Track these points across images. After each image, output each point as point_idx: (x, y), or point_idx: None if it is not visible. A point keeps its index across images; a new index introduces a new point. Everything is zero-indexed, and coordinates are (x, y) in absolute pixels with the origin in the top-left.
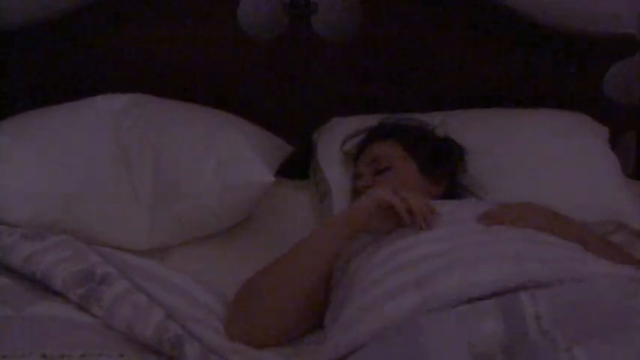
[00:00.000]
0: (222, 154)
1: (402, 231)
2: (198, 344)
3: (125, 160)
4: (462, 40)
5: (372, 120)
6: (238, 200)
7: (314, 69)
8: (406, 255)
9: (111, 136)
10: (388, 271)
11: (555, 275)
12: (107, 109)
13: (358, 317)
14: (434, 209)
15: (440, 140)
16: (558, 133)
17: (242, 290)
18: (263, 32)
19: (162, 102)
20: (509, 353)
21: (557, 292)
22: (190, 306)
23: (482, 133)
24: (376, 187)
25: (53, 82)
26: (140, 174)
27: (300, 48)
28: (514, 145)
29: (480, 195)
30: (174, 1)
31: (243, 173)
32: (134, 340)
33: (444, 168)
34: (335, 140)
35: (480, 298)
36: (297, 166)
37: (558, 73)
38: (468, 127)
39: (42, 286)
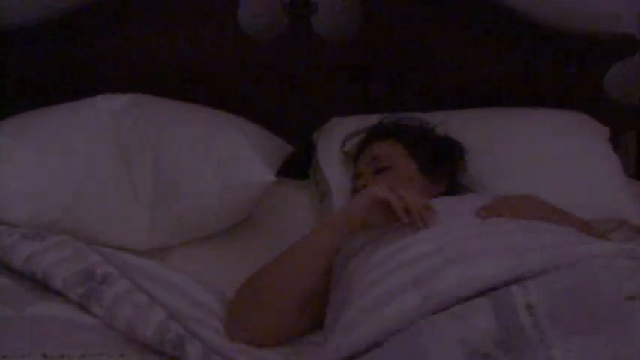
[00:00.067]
0: (222, 154)
1: (400, 230)
2: (200, 344)
3: (125, 160)
4: (462, 40)
5: (372, 120)
6: (238, 200)
7: (314, 69)
8: (404, 254)
9: (111, 136)
10: (387, 272)
11: (553, 261)
12: (107, 109)
13: (359, 319)
14: (431, 207)
15: (440, 140)
16: (558, 132)
17: (241, 289)
18: (263, 32)
19: (163, 102)
20: (505, 348)
21: (553, 278)
22: (190, 306)
23: (482, 133)
24: (372, 184)
25: (53, 82)
26: (140, 174)
27: (300, 48)
28: (514, 144)
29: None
30: (174, 1)
31: (244, 173)
32: (135, 340)
33: (444, 168)
34: (335, 140)
35: (481, 293)
36: (297, 166)
37: (558, 73)
38: (467, 127)
39: (42, 286)
